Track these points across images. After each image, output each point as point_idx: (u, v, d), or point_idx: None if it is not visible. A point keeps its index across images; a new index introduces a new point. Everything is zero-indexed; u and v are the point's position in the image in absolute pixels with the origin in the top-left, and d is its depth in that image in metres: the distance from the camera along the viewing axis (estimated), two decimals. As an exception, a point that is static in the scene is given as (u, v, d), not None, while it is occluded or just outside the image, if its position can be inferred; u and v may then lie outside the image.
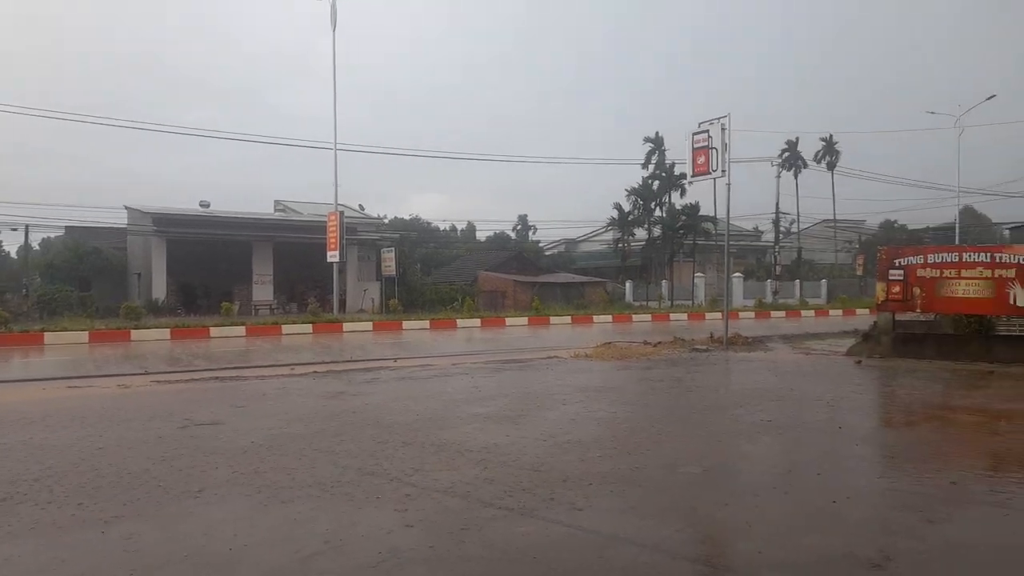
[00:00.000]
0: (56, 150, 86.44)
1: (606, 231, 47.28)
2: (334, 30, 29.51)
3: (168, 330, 21.15)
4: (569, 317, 29.39)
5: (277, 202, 44.94)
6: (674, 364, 12.44)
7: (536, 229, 62.68)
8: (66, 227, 35.20)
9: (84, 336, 19.83)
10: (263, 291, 33.22)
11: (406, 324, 25.57)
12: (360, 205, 45.21)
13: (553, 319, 28.71)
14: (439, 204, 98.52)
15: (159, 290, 30.17)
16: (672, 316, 31.17)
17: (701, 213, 41.72)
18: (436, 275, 45.74)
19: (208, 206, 37.07)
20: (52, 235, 38.69)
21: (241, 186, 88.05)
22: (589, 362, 12.88)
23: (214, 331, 21.54)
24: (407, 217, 61.45)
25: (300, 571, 3.32)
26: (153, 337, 20.40)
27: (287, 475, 5.04)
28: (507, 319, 28.30)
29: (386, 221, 47.91)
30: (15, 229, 32.15)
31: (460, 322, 26.73)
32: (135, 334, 20.38)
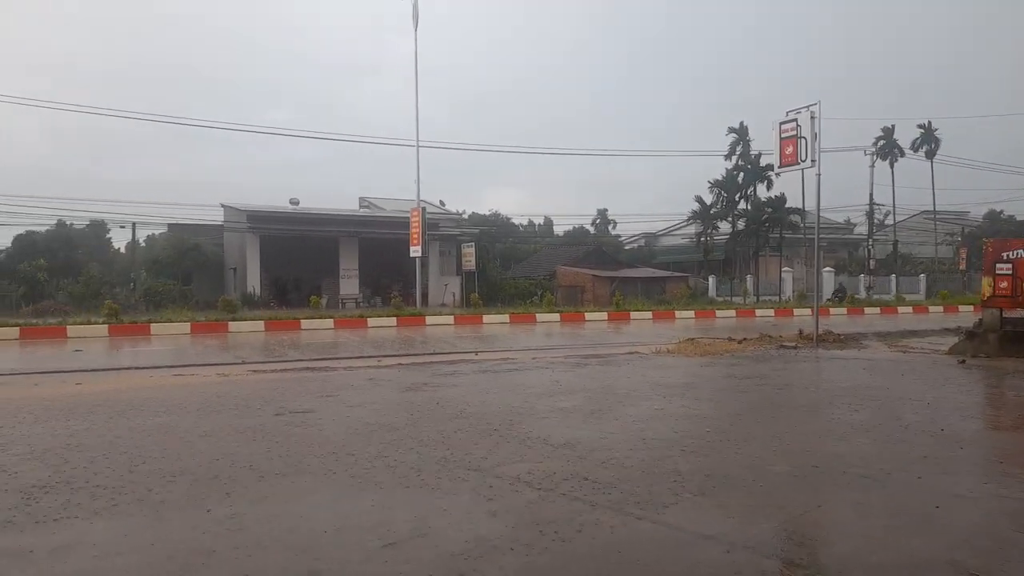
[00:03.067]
0: (156, 151, 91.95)
1: (687, 225, 46.30)
2: (416, 29, 30.08)
3: (262, 322, 22.20)
4: (650, 312, 28.98)
5: (362, 199, 46.27)
6: (761, 361, 12.09)
7: (616, 223, 62.08)
8: (169, 225, 37.42)
9: (186, 327, 21.07)
10: (349, 285, 34.33)
11: (486, 318, 25.85)
12: (441, 201, 45.98)
13: (633, 314, 28.38)
14: (517, 199, 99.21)
15: (253, 284, 31.66)
16: (758, 312, 30.26)
17: (788, 205, 40.28)
18: (515, 270, 46.03)
19: (298, 203, 38.55)
20: (156, 232, 41.15)
21: (326, 184, 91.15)
22: (672, 358, 12.69)
23: (304, 323, 22.44)
24: (486, 213, 62.13)
25: (390, 555, 3.44)
26: (248, 329, 21.43)
27: (376, 463, 5.21)
28: (586, 314, 28.18)
29: (466, 217, 48.60)
30: (123, 227, 34.47)
31: (539, 316, 26.81)
32: (232, 326, 21.49)
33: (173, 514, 4.14)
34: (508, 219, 62.63)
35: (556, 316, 27.12)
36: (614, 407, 7.66)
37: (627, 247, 56.02)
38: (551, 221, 63.12)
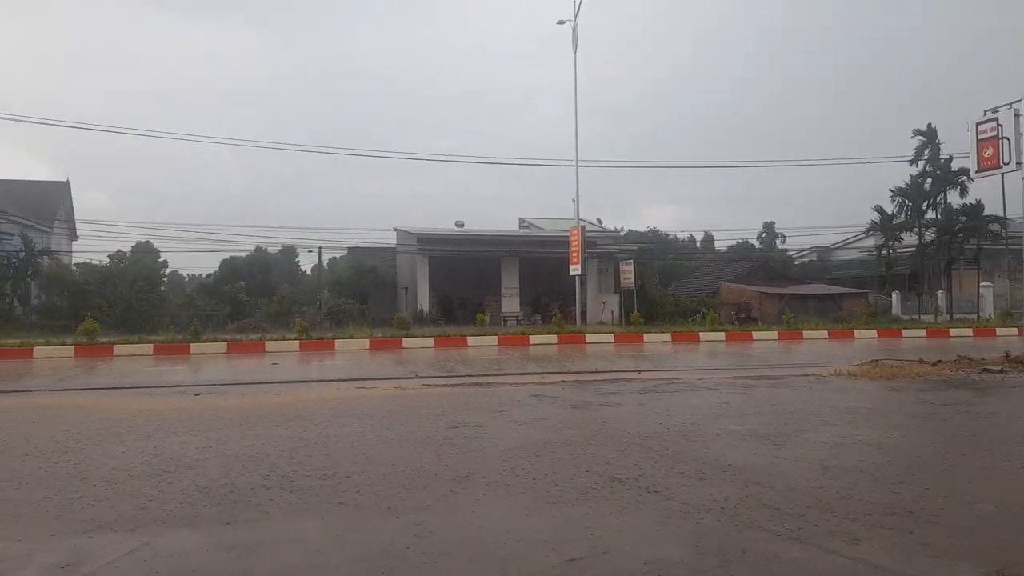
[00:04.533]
0: (337, 181, 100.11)
1: (865, 237, 42.85)
2: (575, 51, 30.54)
3: (432, 339, 23.40)
4: (825, 332, 27.11)
5: (522, 219, 47.44)
6: (959, 386, 10.92)
7: (784, 237, 58.74)
8: (348, 248, 40.57)
9: (365, 343, 22.70)
10: (510, 303, 35.27)
11: (647, 336, 25.47)
12: (598, 219, 46.06)
13: (806, 333, 26.69)
14: (676, 215, 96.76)
15: (422, 302, 33.45)
16: (952, 332, 27.32)
17: (986, 213, 36.09)
18: (675, 287, 44.97)
19: (463, 225, 40.30)
20: (337, 255, 44.77)
21: (488, 206, 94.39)
22: (853, 381, 11.80)
23: (470, 340, 23.37)
24: (644, 229, 61.34)
25: (572, 571, 3.49)
26: (419, 345, 22.67)
27: (548, 479, 5.32)
28: (754, 332, 26.90)
29: (623, 234, 48.29)
30: (311, 251, 37.87)
31: (703, 335, 25.98)
32: (405, 342, 22.85)
33: (366, 517, 4.48)
34: (667, 235, 61.43)
35: (721, 335, 26.13)
36: (792, 432, 7.27)
37: (796, 262, 52.83)
38: (712, 236, 61.07)
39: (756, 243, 59.87)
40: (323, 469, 5.74)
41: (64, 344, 21.63)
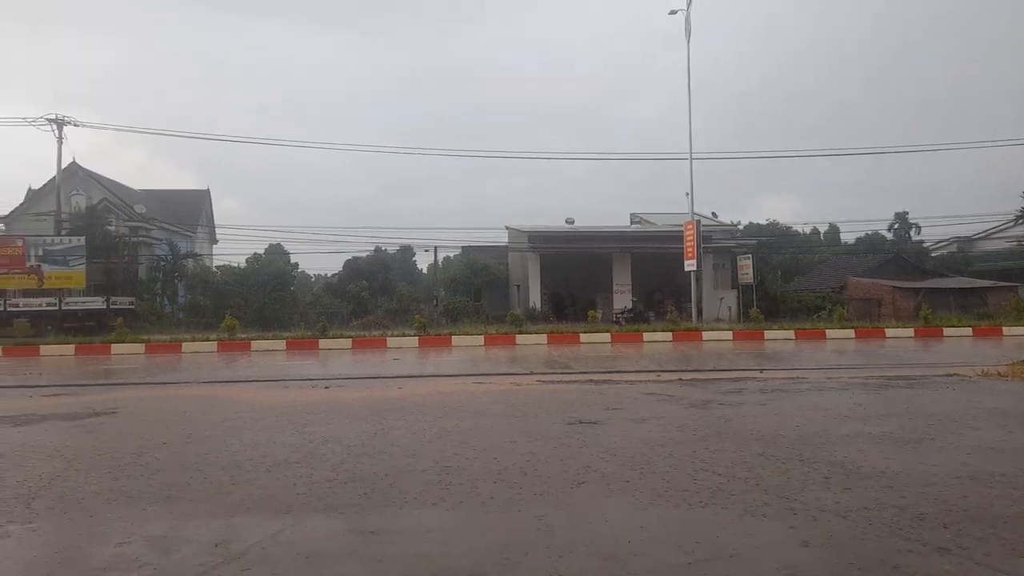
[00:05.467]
0: (450, 183, 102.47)
1: (1013, 225, 39.10)
2: (688, 41, 29.75)
3: (545, 335, 23.56)
4: (969, 328, 25.00)
5: (632, 215, 46.78)
6: None
7: (919, 228, 54.56)
8: (462, 247, 41.55)
9: (480, 339, 23.19)
10: (622, 299, 34.86)
11: (767, 334, 24.46)
12: (713, 213, 44.67)
13: (947, 331, 24.73)
14: (796, 207, 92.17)
15: (534, 299, 33.71)
16: (1122, 328, 24.46)
17: None
18: (797, 282, 42.92)
19: (573, 223, 40.25)
20: (451, 255, 45.98)
21: (598, 202, 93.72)
22: (1004, 382, 10.82)
23: (583, 337, 23.32)
24: (763, 222, 58.80)
25: (699, 573, 3.44)
26: (532, 341, 22.88)
27: (669, 478, 5.24)
28: (886, 329, 25.22)
29: (740, 228, 46.55)
30: (427, 250, 39.10)
31: (829, 332, 24.64)
32: (518, 339, 23.14)
33: (488, 509, 4.58)
34: (788, 228, 58.57)
35: (849, 332, 24.68)
36: (935, 435, 6.76)
37: (933, 254, 48.97)
38: (837, 228, 57.61)
39: (887, 234, 55.97)
40: (444, 461, 5.92)
41: (208, 340, 23.54)
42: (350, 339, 23.46)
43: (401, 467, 5.73)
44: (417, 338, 23.40)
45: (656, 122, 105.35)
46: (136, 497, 4.99)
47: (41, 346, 22.88)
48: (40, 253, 31.22)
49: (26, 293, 30.70)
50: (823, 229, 59.96)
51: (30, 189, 40.47)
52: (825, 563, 3.52)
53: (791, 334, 24.37)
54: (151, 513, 4.60)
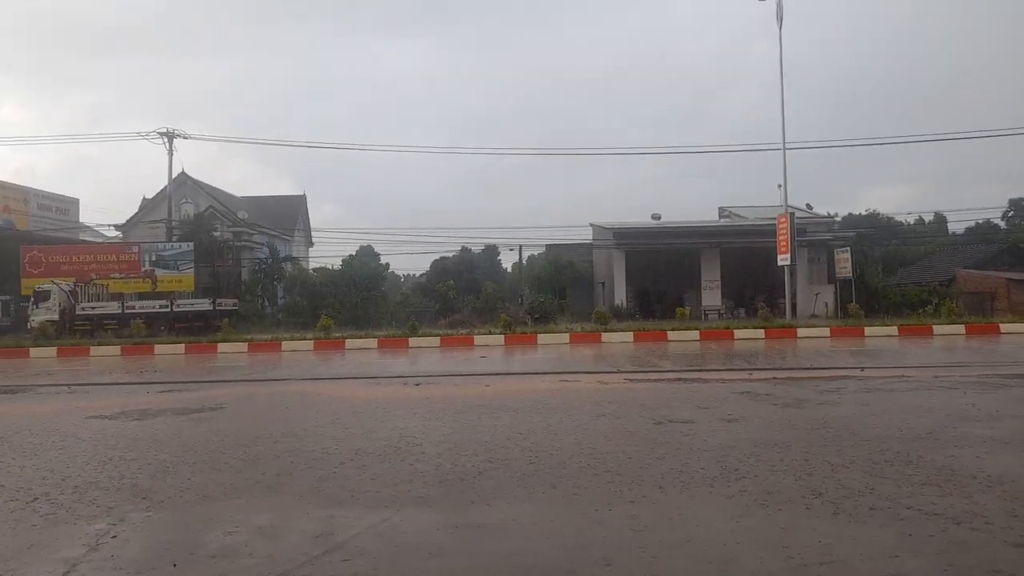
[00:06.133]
0: (533, 182, 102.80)
1: None
2: (780, 28, 28.68)
3: (631, 333, 23.29)
4: (1100, 323, 23.01)
5: (721, 208, 45.55)
6: None
7: (1038, 215, 50.55)
8: (547, 245, 41.67)
9: (565, 337, 23.18)
10: (711, 296, 34.02)
11: (868, 330, 23.27)
12: (807, 204, 42.88)
13: (1073, 326, 22.83)
14: (899, 196, 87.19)
15: (620, 297, 33.38)
16: None
17: None
18: (901, 275, 40.67)
19: (659, 218, 39.61)
20: (536, 253, 46.15)
21: (685, 196, 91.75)
22: None
23: (671, 334, 22.92)
24: (862, 213, 56.02)
25: (799, 577, 3.33)
26: (618, 339, 22.67)
27: (765, 480, 5.08)
28: (1001, 325, 23.51)
29: (837, 219, 44.50)
30: (512, 249, 39.44)
31: (936, 328, 23.20)
32: (604, 336, 22.98)
33: (580, 506, 4.59)
34: (889, 219, 55.51)
35: (959, 328, 23.15)
36: (1059, 440, 6.27)
37: (1055, 243, 45.26)
38: (944, 218, 54.19)
39: (1001, 223, 52.14)
40: (533, 457, 5.97)
41: (305, 339, 24.56)
42: (438, 337, 23.95)
43: (492, 462, 5.82)
44: (503, 336, 23.61)
45: (747, 116, 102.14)
46: (242, 488, 5.28)
47: (155, 345, 24.51)
48: (153, 258, 33.53)
49: (141, 296, 33.01)
50: (928, 219, 56.56)
51: (144, 199, 43.45)
52: (932, 571, 3.34)
53: (894, 330, 23.11)
54: (256, 504, 4.86)
